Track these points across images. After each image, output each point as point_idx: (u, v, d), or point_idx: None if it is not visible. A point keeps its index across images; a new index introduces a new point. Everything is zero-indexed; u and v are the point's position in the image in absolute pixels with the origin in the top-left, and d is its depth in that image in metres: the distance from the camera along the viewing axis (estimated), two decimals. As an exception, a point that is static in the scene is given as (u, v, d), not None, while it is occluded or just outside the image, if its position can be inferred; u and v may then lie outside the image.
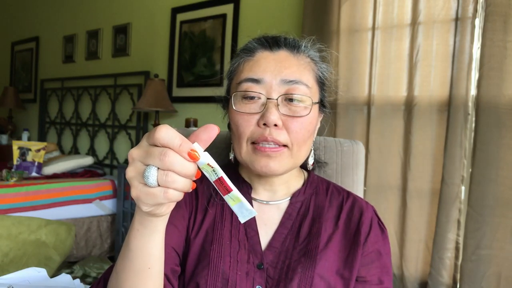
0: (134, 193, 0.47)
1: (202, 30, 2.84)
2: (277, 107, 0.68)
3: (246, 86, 0.69)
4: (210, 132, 0.47)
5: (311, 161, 0.79)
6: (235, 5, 2.64)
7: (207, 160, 0.47)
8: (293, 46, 0.73)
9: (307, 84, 0.71)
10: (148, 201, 0.47)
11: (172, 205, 0.51)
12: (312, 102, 0.71)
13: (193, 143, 0.47)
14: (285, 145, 0.69)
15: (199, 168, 0.48)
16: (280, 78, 0.69)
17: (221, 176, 0.48)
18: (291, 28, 2.33)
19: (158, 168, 0.45)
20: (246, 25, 2.61)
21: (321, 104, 0.76)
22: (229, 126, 0.82)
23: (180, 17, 2.97)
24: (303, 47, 0.74)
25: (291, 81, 0.69)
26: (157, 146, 0.45)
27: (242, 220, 0.50)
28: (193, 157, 0.45)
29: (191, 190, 0.48)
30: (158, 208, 0.49)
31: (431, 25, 1.79)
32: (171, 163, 0.44)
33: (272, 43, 0.73)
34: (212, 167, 0.47)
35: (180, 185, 0.46)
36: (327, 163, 0.98)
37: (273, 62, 0.70)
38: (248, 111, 0.69)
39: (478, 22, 1.68)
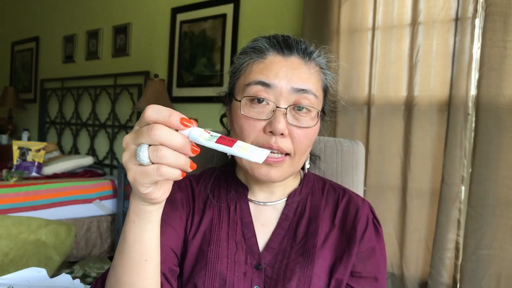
0: (130, 175, 0.48)
1: (202, 30, 2.84)
2: (285, 116, 0.67)
3: (256, 89, 0.68)
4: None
5: (307, 165, 0.81)
6: (235, 5, 2.64)
7: (200, 129, 0.48)
8: (304, 53, 0.72)
9: (316, 94, 0.70)
10: (144, 180, 0.47)
11: (168, 191, 0.52)
12: (318, 113, 0.71)
13: None
14: (287, 153, 0.69)
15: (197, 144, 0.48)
16: (291, 85, 0.68)
17: (221, 135, 0.49)
18: (291, 28, 2.32)
19: (150, 146, 0.46)
20: (246, 25, 2.61)
21: (323, 112, 0.76)
22: (221, 120, 0.82)
23: (180, 17, 2.97)
24: (314, 55, 0.74)
25: (301, 89, 0.68)
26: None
27: (261, 159, 0.49)
28: (185, 125, 0.46)
29: (189, 168, 0.48)
30: (155, 190, 0.50)
31: (431, 25, 1.79)
32: (158, 135, 0.45)
33: (284, 46, 0.71)
34: (208, 133, 0.48)
35: (172, 159, 0.46)
36: (319, 157, 0.98)
37: (285, 68, 0.69)
38: (255, 116, 0.68)
39: (478, 22, 1.68)
